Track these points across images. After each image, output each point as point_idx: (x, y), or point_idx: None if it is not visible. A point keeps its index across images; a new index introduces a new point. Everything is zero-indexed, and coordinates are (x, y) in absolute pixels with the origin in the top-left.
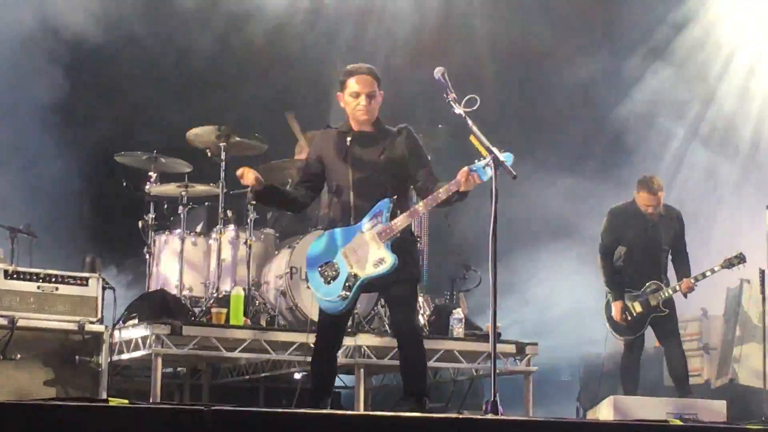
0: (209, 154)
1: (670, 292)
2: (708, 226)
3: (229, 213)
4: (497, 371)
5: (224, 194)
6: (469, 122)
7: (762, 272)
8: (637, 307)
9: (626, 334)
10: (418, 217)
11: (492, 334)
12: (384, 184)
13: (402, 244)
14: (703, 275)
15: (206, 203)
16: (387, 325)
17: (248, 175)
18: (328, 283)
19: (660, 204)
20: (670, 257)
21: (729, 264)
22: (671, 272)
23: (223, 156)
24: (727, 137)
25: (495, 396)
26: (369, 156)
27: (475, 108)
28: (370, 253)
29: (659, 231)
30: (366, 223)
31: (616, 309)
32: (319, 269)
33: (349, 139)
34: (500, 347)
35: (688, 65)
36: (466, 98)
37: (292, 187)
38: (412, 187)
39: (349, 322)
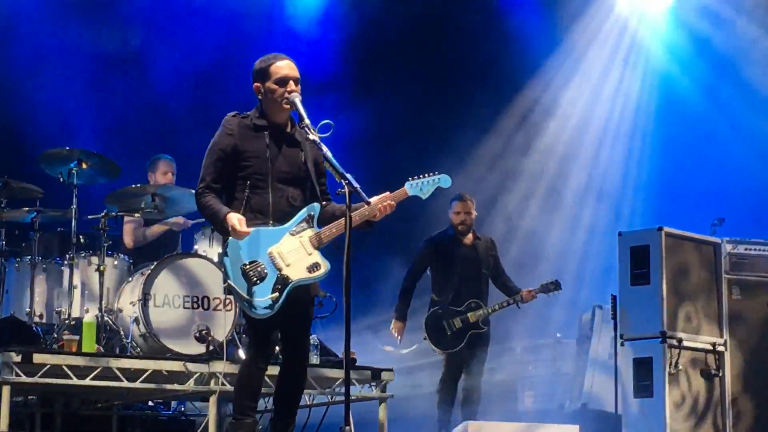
0: (61, 179)
1: (490, 311)
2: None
3: (82, 239)
4: (353, 397)
5: (77, 220)
6: (324, 149)
7: (613, 297)
8: (458, 323)
9: (446, 348)
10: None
11: (345, 361)
12: (305, 187)
13: None
14: (522, 298)
15: (59, 229)
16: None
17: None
18: (254, 284)
19: (471, 213)
20: (491, 283)
21: (545, 289)
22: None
23: (75, 181)
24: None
25: (348, 423)
26: (290, 154)
27: (329, 134)
28: (303, 257)
29: (478, 255)
30: (295, 226)
31: (396, 327)
32: (243, 267)
33: (267, 133)
34: (355, 374)
35: None
36: (321, 124)
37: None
38: None
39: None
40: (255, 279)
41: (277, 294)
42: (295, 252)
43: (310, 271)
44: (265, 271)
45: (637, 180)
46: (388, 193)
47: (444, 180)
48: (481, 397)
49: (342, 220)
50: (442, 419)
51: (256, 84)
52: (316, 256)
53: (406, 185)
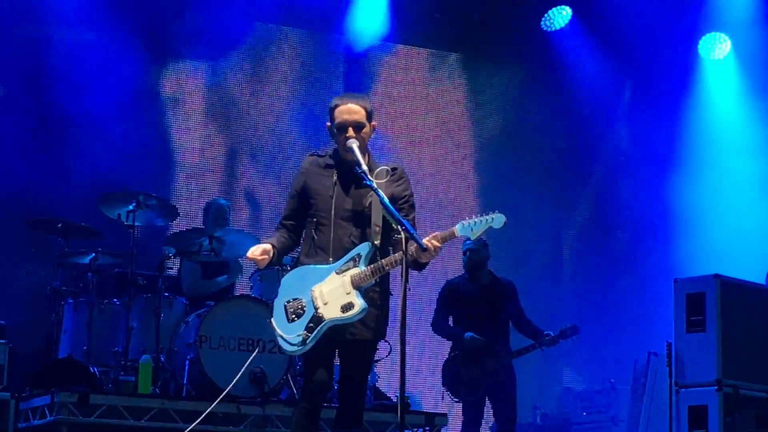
0: (120, 221)
1: (508, 359)
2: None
3: (139, 280)
4: None
5: (135, 261)
6: (380, 194)
7: (668, 345)
8: (474, 371)
9: (463, 397)
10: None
11: (400, 405)
12: (367, 227)
13: (374, 297)
14: (540, 343)
15: (116, 270)
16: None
17: (263, 260)
18: (291, 320)
19: (478, 251)
20: (511, 326)
21: (563, 335)
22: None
23: (134, 222)
24: None
25: None
26: (357, 192)
27: (386, 180)
28: (339, 296)
29: (495, 297)
30: (342, 265)
31: (472, 338)
32: (286, 304)
33: (335, 171)
34: (409, 418)
35: None
36: (378, 170)
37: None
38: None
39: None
40: (292, 316)
41: (307, 332)
42: (335, 291)
43: (343, 311)
44: (304, 308)
45: (693, 226)
46: (437, 233)
47: (497, 220)
48: None
49: (374, 266)
50: None
51: (328, 123)
52: (352, 296)
53: (457, 225)
